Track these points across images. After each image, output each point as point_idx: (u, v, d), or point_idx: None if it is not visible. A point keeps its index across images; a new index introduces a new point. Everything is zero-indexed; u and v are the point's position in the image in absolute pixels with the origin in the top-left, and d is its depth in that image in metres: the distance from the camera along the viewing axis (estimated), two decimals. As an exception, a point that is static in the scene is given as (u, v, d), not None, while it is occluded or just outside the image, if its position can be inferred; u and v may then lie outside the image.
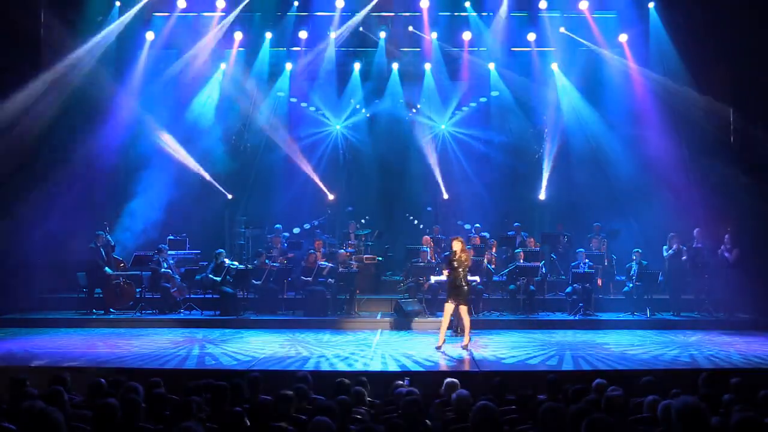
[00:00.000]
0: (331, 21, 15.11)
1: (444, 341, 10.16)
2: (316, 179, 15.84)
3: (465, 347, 10.05)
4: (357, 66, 15.75)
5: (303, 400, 5.67)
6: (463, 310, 10.26)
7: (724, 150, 13.38)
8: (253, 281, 12.93)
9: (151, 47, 14.73)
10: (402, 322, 12.16)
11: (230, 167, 15.46)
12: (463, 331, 11.17)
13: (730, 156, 13.33)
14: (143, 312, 12.81)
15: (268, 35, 15.17)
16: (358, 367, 8.94)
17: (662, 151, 13.95)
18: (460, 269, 10.17)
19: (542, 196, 15.62)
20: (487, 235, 14.58)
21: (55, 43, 13.16)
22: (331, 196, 16.00)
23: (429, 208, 16.34)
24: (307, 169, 15.72)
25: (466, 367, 8.92)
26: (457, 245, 10.32)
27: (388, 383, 7.49)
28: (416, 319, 12.19)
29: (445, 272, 10.47)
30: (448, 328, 11.59)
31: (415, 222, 16.51)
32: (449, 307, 10.24)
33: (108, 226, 13.35)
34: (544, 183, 15.43)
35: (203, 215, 15.16)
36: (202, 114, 15.18)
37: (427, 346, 10.33)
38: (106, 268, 12.78)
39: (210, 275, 12.75)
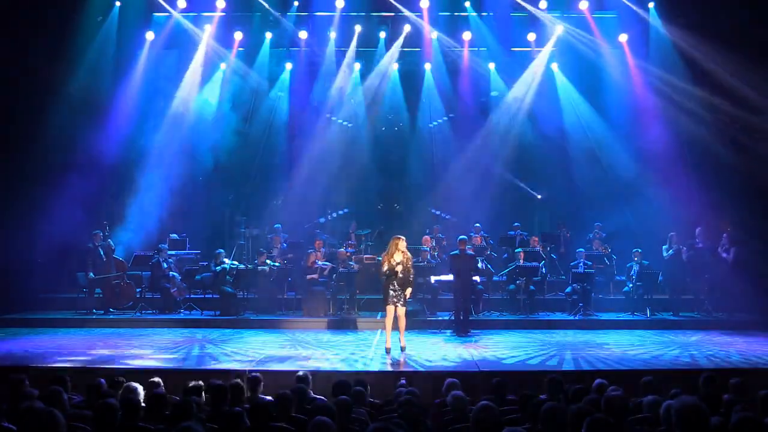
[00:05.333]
0: (331, 21, 15.13)
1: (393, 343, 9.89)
2: (316, 179, 15.83)
3: (404, 348, 9.81)
4: (357, 66, 15.74)
5: (303, 400, 5.66)
6: (402, 312, 9.80)
7: (723, 149, 13.37)
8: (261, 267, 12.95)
9: (151, 47, 14.74)
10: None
11: (230, 167, 15.46)
12: (462, 331, 11.22)
13: (729, 155, 13.33)
14: (143, 312, 12.81)
15: (268, 35, 15.19)
16: (358, 367, 8.94)
17: (662, 150, 13.96)
18: (400, 273, 9.67)
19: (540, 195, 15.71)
20: (486, 234, 14.57)
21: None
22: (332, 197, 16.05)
23: (430, 208, 16.30)
24: (307, 168, 15.71)
25: (466, 367, 8.91)
26: (402, 244, 9.80)
27: (387, 383, 7.51)
28: (416, 318, 12.17)
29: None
30: (448, 328, 11.63)
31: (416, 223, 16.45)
32: (391, 309, 9.73)
33: (108, 225, 13.34)
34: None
35: (203, 215, 15.15)
36: (202, 114, 15.17)
37: (427, 346, 10.33)
38: (91, 273, 12.72)
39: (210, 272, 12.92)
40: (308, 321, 12.25)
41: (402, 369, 8.91)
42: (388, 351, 9.76)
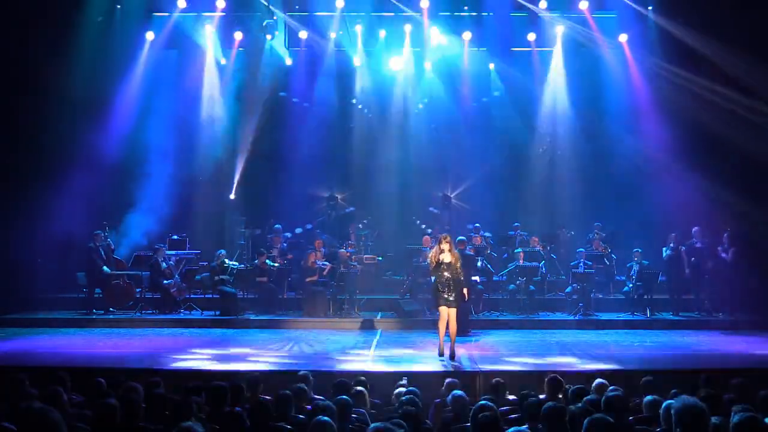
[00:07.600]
0: (331, 21, 15.13)
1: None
2: (316, 179, 15.85)
3: (452, 357, 9.15)
4: (357, 65, 15.74)
5: (303, 400, 5.66)
6: (453, 314, 9.28)
7: (724, 148, 13.37)
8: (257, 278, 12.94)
9: (151, 47, 14.74)
10: (402, 322, 12.16)
11: (231, 167, 15.47)
12: (462, 331, 11.16)
13: (730, 154, 13.32)
14: (143, 312, 12.81)
15: (269, 36, 15.20)
16: (358, 367, 8.93)
17: (662, 150, 13.97)
18: (447, 272, 9.18)
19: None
20: (488, 234, 14.56)
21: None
22: (325, 193, 16.04)
23: (431, 209, 16.28)
24: (308, 168, 15.71)
25: (466, 367, 8.91)
26: (445, 245, 9.30)
27: (388, 384, 7.50)
28: (416, 318, 12.17)
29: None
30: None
31: (417, 222, 16.43)
32: (443, 311, 9.27)
33: (107, 225, 13.34)
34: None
35: (203, 215, 15.15)
36: (202, 113, 15.18)
37: (427, 346, 10.30)
38: (104, 267, 12.78)
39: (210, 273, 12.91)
40: (308, 321, 12.22)
41: (402, 369, 8.89)
42: (441, 354, 9.29)
